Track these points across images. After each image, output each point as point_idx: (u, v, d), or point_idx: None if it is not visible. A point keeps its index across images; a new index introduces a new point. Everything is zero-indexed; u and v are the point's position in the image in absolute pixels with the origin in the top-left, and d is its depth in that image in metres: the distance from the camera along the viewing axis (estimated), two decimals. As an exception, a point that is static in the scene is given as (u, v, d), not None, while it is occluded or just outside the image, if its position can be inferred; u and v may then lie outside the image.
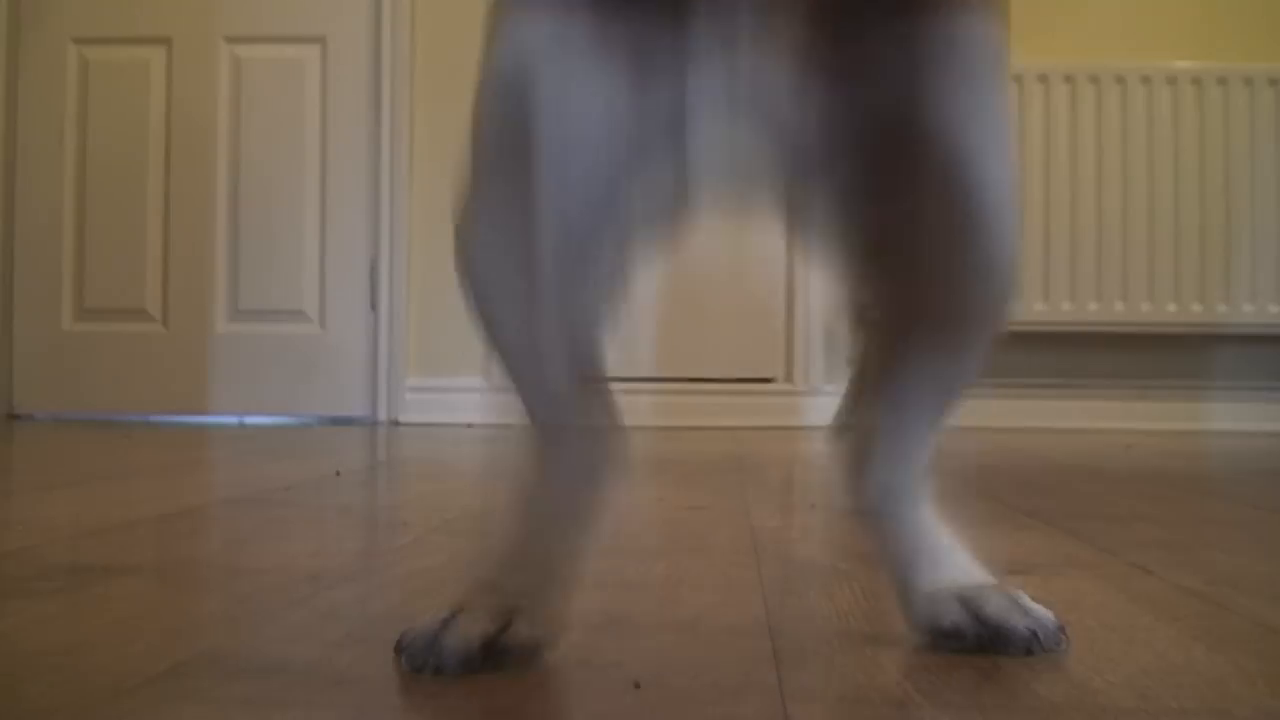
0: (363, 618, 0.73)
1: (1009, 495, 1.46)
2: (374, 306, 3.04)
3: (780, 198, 0.65)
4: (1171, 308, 2.81)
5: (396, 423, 2.98)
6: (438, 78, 3.06)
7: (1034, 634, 0.62)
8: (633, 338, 2.82)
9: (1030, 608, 0.64)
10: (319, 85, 3.05)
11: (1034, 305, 2.77)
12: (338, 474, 1.66)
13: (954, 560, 0.67)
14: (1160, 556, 0.98)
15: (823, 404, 3.00)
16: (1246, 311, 2.80)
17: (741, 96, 0.58)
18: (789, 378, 3.02)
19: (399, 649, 0.60)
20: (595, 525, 0.66)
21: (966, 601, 0.64)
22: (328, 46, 3.05)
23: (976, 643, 0.62)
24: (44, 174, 3.06)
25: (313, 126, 3.05)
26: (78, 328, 3.07)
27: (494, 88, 0.61)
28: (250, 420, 3.01)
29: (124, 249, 3.05)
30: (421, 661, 0.58)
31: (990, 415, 2.66)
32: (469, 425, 2.73)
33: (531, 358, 0.63)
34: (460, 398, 2.98)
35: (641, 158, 0.60)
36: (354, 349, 3.04)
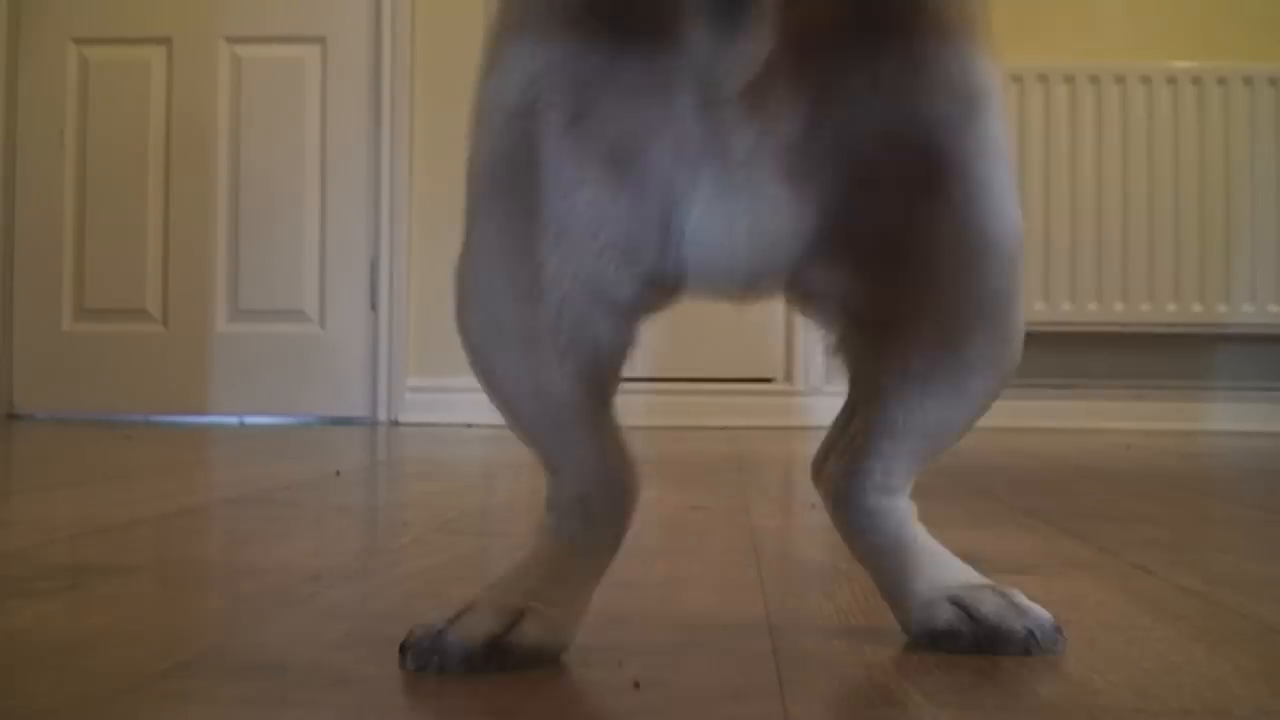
0: (363, 618, 0.73)
1: (1009, 495, 1.46)
2: (374, 306, 3.04)
3: (778, 255, 0.62)
4: (1171, 308, 2.81)
5: (396, 423, 2.98)
6: (438, 78, 3.06)
7: (1031, 634, 0.61)
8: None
9: (1027, 607, 0.63)
10: (319, 85, 3.05)
11: (1034, 305, 2.76)
12: (338, 474, 1.66)
13: (945, 564, 0.67)
14: (1160, 556, 0.98)
15: (823, 404, 3.01)
16: (1246, 311, 2.80)
17: (737, 140, 0.56)
18: (789, 378, 3.02)
19: (404, 647, 0.59)
20: (613, 555, 0.66)
21: (960, 602, 0.63)
22: (328, 46, 3.05)
23: (973, 643, 0.62)
24: (44, 174, 3.06)
25: (313, 126, 3.05)
26: (78, 328, 3.07)
27: (492, 120, 0.61)
28: (250, 420, 3.01)
29: (124, 249, 3.05)
30: (425, 660, 0.58)
31: (990, 415, 2.65)
32: (469, 425, 2.73)
33: (539, 410, 0.64)
34: (460, 398, 2.98)
35: (648, 193, 0.59)
36: (354, 349, 3.04)
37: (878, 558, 0.68)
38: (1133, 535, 1.12)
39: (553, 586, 0.62)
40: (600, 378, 0.63)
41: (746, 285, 0.62)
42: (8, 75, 3.05)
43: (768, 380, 3.00)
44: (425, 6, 3.06)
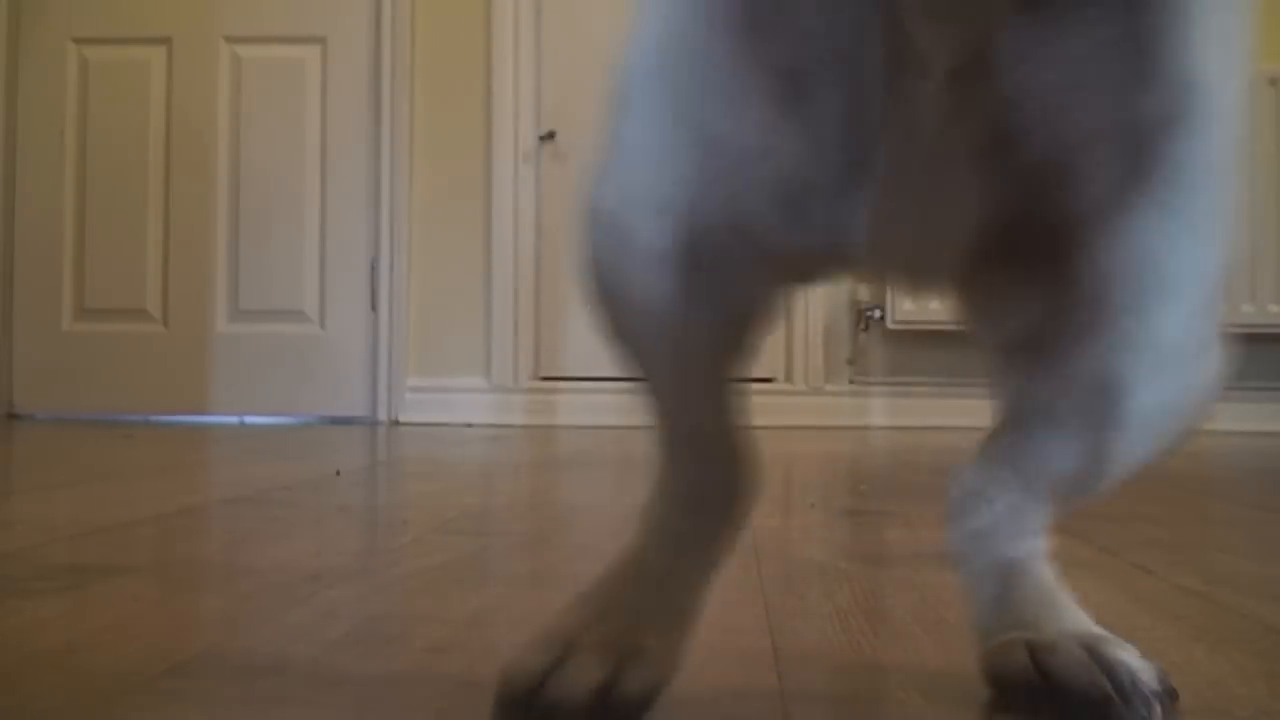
0: (363, 618, 0.73)
1: (1009, 495, 1.46)
2: (374, 306, 3.04)
3: (943, 268, 0.55)
4: (1171, 308, 2.81)
5: (396, 423, 2.98)
6: (438, 78, 3.06)
7: (1108, 697, 0.49)
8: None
9: (1115, 664, 0.51)
10: (319, 85, 3.05)
11: (1034, 305, 2.76)
12: (338, 474, 1.66)
13: (1040, 607, 0.57)
14: (1160, 556, 0.97)
15: (823, 404, 3.01)
16: (1246, 312, 2.80)
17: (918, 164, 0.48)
18: (789, 378, 3.02)
19: (500, 699, 0.51)
20: (726, 554, 0.60)
21: (1035, 652, 0.53)
22: (328, 46, 3.06)
23: (1044, 697, 0.51)
24: (44, 174, 3.06)
25: (313, 126, 3.05)
26: (78, 328, 3.07)
27: (642, 60, 0.51)
28: (250, 420, 3.01)
29: (124, 249, 3.05)
30: (522, 716, 0.50)
31: (990, 416, 2.65)
32: (469, 425, 2.73)
33: (662, 355, 0.56)
34: (460, 398, 2.98)
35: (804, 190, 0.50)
36: (354, 349, 3.04)
37: (973, 586, 0.59)
38: (1133, 535, 1.12)
39: (660, 608, 0.56)
40: (732, 335, 0.55)
41: (912, 272, 0.55)
42: (8, 75, 3.05)
43: (768, 380, 3.00)
44: (425, 6, 3.06)
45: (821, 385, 2.98)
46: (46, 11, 3.08)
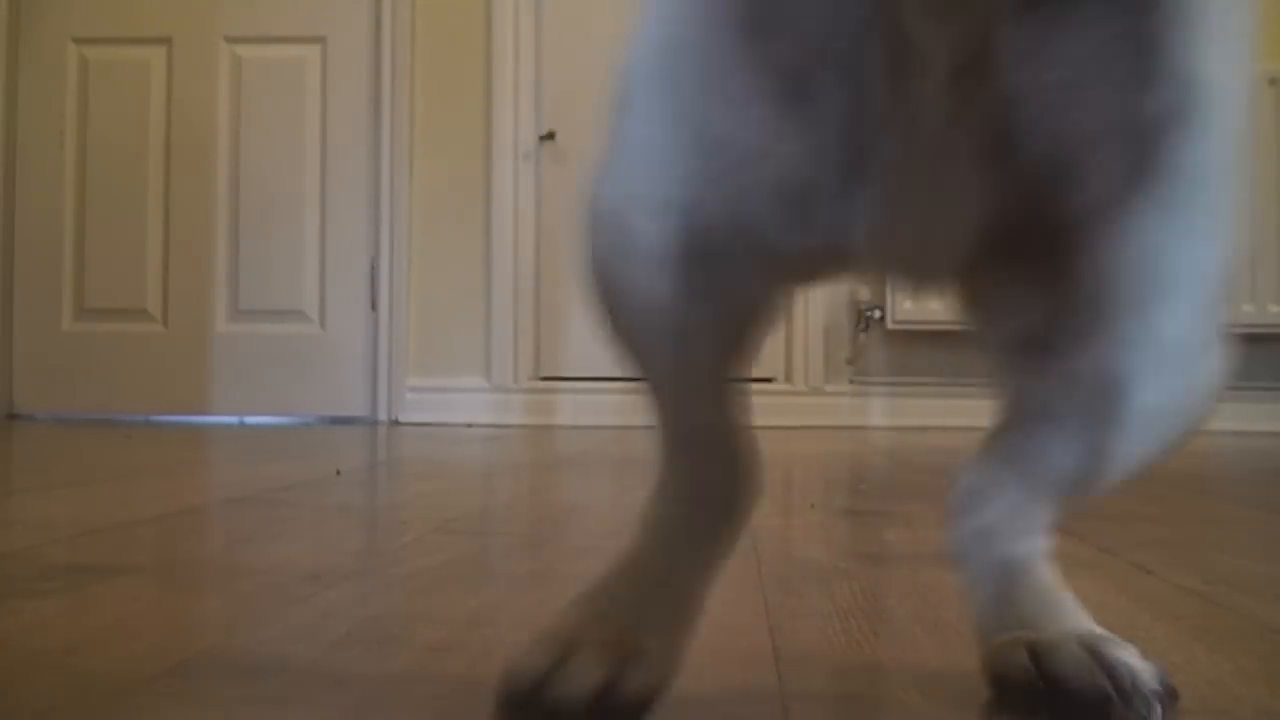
0: (363, 618, 0.73)
1: (1009, 495, 1.46)
2: (374, 306, 3.04)
3: (946, 268, 0.55)
4: (1171, 308, 2.81)
5: (396, 423, 2.98)
6: (438, 78, 3.06)
7: (1108, 697, 0.49)
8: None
9: (1115, 664, 0.51)
10: (319, 85, 3.05)
11: (1034, 305, 2.77)
12: (338, 474, 1.66)
13: (1040, 607, 0.57)
14: (1160, 556, 0.97)
15: (823, 404, 3.01)
16: (1246, 311, 2.80)
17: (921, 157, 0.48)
18: (789, 378, 3.02)
19: (502, 696, 0.51)
20: (727, 555, 0.60)
21: (1036, 652, 0.52)
22: (328, 46, 3.06)
23: (1044, 698, 0.51)
24: (44, 174, 3.06)
25: (313, 126, 3.05)
26: (78, 328, 3.07)
27: (642, 61, 0.52)
28: (250, 420, 3.01)
29: (124, 249, 3.05)
30: (527, 716, 0.50)
31: (991, 415, 2.66)
32: (469, 425, 2.73)
33: (663, 354, 0.56)
34: (460, 398, 2.98)
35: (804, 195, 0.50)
36: (354, 349, 3.04)
37: (974, 585, 0.59)
38: (1133, 535, 1.12)
39: (660, 609, 0.56)
40: (732, 334, 0.56)
41: (913, 271, 0.55)
42: (8, 75, 3.05)
43: (768, 380, 3.00)
44: (425, 6, 3.06)
45: (821, 385, 2.98)
46: (46, 11, 3.08)
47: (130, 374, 3.04)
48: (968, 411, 2.36)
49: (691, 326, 0.54)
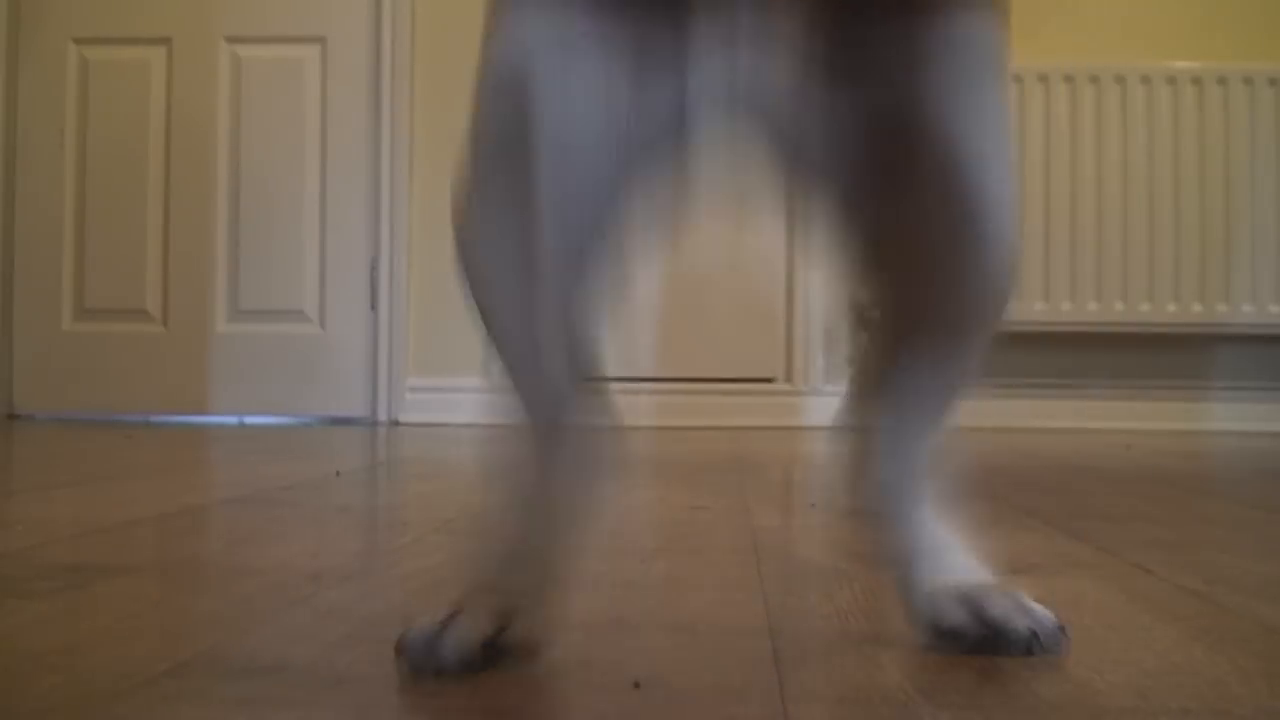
0: (363, 618, 0.73)
1: (1009, 495, 1.46)
2: (374, 306, 3.04)
3: (781, 197, 0.66)
4: (1171, 308, 2.81)
5: (396, 423, 2.98)
6: (438, 78, 3.06)
7: (1034, 634, 0.62)
8: (633, 338, 2.82)
9: (1031, 608, 0.63)
10: (319, 85, 3.05)
11: (1034, 305, 2.76)
12: (338, 474, 1.66)
13: (956, 559, 0.67)
14: (1160, 556, 0.98)
15: (823, 404, 3.01)
16: (1246, 311, 2.80)
17: (742, 94, 0.59)
18: (789, 378, 3.02)
19: (399, 650, 0.59)
20: (591, 523, 0.66)
21: (968, 601, 0.64)
22: (328, 46, 3.05)
23: (978, 643, 0.63)
24: (44, 174, 3.06)
25: (313, 126, 3.05)
26: (78, 328, 3.07)
27: (492, 84, 0.62)
28: (250, 420, 3.01)
29: (124, 249, 3.05)
30: (422, 662, 0.58)
31: (990, 415, 2.66)
32: (469, 425, 2.73)
33: (530, 352, 0.63)
34: (460, 398, 2.98)
35: (641, 155, 0.61)
36: (354, 349, 3.04)
37: (891, 540, 0.68)
38: (1133, 535, 1.12)
39: (538, 581, 0.62)
40: (593, 313, 0.63)
41: (750, 193, 0.64)
42: (8, 75, 3.05)
43: (768, 380, 3.00)
44: (425, 6, 3.06)
45: (821, 385, 2.98)
46: (46, 11, 3.08)
47: (130, 374, 3.04)
48: (967, 411, 2.36)
49: (556, 333, 0.61)
